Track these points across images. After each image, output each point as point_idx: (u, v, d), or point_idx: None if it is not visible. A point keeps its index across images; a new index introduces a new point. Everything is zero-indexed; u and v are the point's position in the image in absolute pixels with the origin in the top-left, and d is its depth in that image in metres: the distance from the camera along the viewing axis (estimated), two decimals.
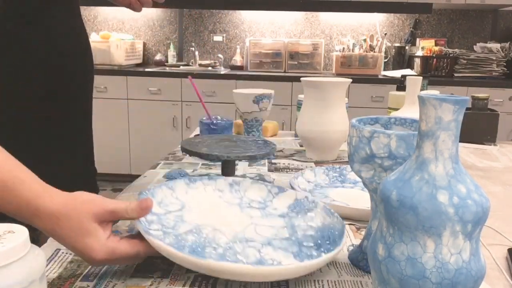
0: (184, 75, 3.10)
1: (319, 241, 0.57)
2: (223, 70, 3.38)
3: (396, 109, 1.17)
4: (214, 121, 1.04)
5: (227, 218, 0.61)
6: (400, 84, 1.34)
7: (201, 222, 0.59)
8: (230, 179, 0.69)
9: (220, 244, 0.54)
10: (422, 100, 0.38)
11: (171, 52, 3.58)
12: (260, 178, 0.93)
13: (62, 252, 0.59)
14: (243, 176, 0.95)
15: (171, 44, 3.61)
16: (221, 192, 0.67)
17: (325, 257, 0.50)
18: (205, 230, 0.57)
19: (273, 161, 1.08)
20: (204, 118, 1.07)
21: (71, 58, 0.85)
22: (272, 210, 0.64)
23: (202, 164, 1.04)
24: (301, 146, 1.24)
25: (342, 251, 0.62)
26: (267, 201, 0.66)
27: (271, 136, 1.37)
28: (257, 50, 3.41)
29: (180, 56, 3.67)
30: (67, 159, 0.88)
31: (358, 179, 0.89)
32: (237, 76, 3.14)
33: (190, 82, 1.03)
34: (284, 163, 1.06)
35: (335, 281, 0.54)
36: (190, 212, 0.61)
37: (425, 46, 3.28)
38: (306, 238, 0.57)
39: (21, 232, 0.38)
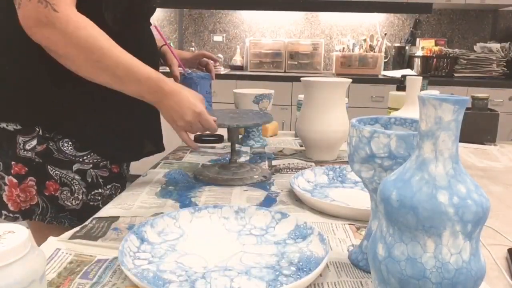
0: (184, 75, 3.09)
1: (299, 270, 0.56)
2: (223, 70, 3.38)
3: (396, 109, 1.17)
4: (186, 74, 1.08)
5: (219, 246, 0.62)
6: (400, 84, 1.34)
7: (190, 250, 0.60)
8: (236, 206, 0.70)
9: (197, 271, 0.54)
10: (422, 100, 0.38)
11: None
12: (260, 178, 0.93)
13: (62, 252, 0.59)
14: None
15: (171, 44, 3.61)
16: (226, 220, 0.68)
17: (289, 286, 0.48)
18: (189, 258, 0.58)
19: (273, 161, 1.08)
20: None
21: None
22: (271, 237, 0.64)
23: (202, 164, 1.04)
24: (301, 146, 1.24)
25: (342, 251, 0.62)
26: (270, 227, 0.67)
27: (271, 136, 1.37)
28: (257, 50, 3.41)
29: None
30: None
31: (358, 179, 0.89)
32: (237, 76, 3.14)
33: (156, 30, 1.03)
34: (284, 163, 1.06)
35: (334, 282, 0.54)
36: (185, 241, 0.63)
37: (425, 46, 3.28)
38: (289, 267, 0.56)
39: (21, 232, 0.38)
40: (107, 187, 0.91)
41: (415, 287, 0.38)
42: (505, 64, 3.12)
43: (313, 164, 1.05)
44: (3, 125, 0.82)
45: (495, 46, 3.16)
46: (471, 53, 3.14)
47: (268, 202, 0.80)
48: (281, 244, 0.62)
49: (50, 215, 0.87)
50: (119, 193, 0.91)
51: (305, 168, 1.00)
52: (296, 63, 3.40)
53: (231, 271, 0.54)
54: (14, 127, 0.82)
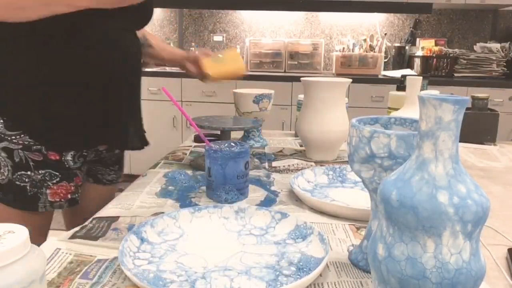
0: (184, 75, 3.09)
1: (299, 270, 0.56)
2: None
3: (396, 109, 1.17)
4: (210, 150, 0.80)
5: (219, 246, 0.62)
6: (400, 84, 1.34)
7: (190, 250, 0.60)
8: (235, 206, 0.70)
9: (197, 271, 0.55)
10: (422, 100, 0.38)
11: None
12: (261, 178, 0.93)
13: (62, 252, 0.59)
14: None
15: (171, 44, 3.61)
16: (226, 220, 0.68)
17: (289, 285, 0.48)
18: (189, 258, 0.58)
19: (273, 162, 1.08)
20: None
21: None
22: (271, 237, 0.64)
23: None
24: (301, 146, 1.24)
25: (342, 251, 0.62)
26: (270, 227, 0.67)
27: (233, 77, 1.13)
28: (257, 50, 3.41)
29: None
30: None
31: (358, 179, 0.89)
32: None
33: (165, 93, 0.87)
34: (284, 164, 1.06)
35: (334, 282, 0.54)
36: (185, 241, 0.63)
37: (425, 46, 3.28)
38: (289, 267, 0.56)
39: (21, 232, 0.38)
40: (39, 171, 0.86)
41: (415, 287, 0.38)
42: (505, 64, 3.12)
43: (313, 164, 1.05)
44: None
45: (495, 46, 3.16)
46: (471, 53, 3.14)
47: (268, 202, 0.80)
48: (281, 244, 0.62)
49: None
50: (59, 182, 0.87)
51: (305, 168, 1.00)
52: (296, 63, 3.40)
53: (231, 271, 0.54)
54: None
